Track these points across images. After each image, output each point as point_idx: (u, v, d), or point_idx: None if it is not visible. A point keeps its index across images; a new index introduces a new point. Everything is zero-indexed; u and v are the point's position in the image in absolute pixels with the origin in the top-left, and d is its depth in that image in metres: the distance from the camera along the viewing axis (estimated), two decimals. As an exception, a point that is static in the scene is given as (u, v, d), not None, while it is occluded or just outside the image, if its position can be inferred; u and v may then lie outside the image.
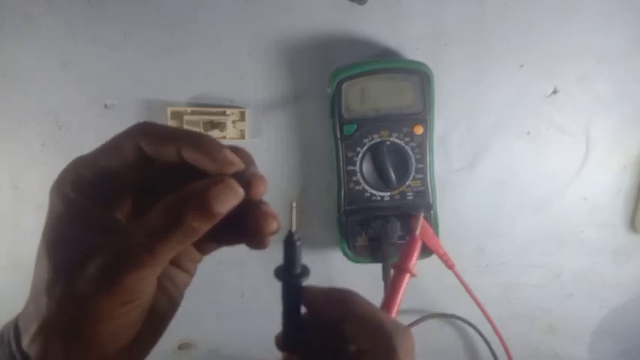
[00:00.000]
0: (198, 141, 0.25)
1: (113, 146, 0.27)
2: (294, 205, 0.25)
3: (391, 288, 0.31)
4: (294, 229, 0.26)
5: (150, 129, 0.26)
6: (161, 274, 0.26)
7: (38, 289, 0.25)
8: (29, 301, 0.25)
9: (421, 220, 0.33)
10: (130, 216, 0.28)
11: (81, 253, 0.24)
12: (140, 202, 0.28)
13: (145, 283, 0.24)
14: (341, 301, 0.28)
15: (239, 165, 0.26)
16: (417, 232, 0.32)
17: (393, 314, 0.31)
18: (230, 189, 0.25)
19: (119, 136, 0.27)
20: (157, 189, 0.27)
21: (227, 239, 0.28)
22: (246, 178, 0.26)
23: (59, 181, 0.26)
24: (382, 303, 0.31)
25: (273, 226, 0.27)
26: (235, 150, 0.27)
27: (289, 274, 0.28)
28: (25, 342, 0.24)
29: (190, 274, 0.30)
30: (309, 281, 0.28)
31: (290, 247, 0.27)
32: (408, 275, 0.31)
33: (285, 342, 0.29)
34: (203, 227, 0.24)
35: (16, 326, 0.25)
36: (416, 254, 0.31)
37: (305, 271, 0.28)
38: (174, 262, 0.28)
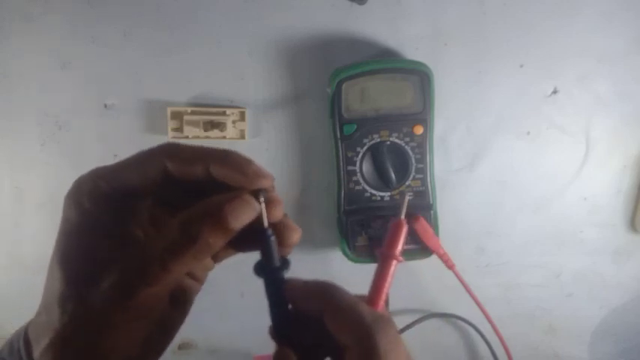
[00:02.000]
0: (226, 157, 0.26)
1: (137, 164, 0.26)
2: (262, 200, 0.25)
3: (378, 277, 0.30)
4: (265, 224, 0.26)
5: (175, 150, 0.26)
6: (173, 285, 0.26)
7: (50, 300, 0.24)
8: (40, 310, 0.25)
9: (406, 201, 0.31)
10: (147, 229, 0.27)
11: (95, 266, 0.24)
12: (158, 215, 0.28)
13: (158, 299, 0.24)
14: (320, 293, 0.28)
15: (269, 178, 0.26)
16: (402, 216, 0.31)
17: (381, 303, 0.30)
18: (247, 204, 0.25)
19: (143, 155, 0.26)
20: (176, 202, 0.27)
21: (244, 247, 0.28)
22: (269, 199, 0.26)
23: (75, 189, 0.26)
24: (369, 293, 0.30)
25: (294, 237, 0.27)
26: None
27: (269, 268, 0.27)
28: (37, 353, 0.24)
29: (201, 282, 0.29)
30: (293, 273, 0.28)
31: (265, 242, 0.27)
32: (395, 262, 0.30)
33: (274, 334, 0.29)
34: (219, 243, 0.24)
35: (26, 334, 0.25)
36: (402, 239, 0.30)
37: (285, 263, 0.28)
38: (187, 272, 0.28)
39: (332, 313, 0.27)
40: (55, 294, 0.24)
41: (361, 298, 0.29)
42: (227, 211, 0.24)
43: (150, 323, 0.25)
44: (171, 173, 0.26)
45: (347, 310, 0.27)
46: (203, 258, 0.24)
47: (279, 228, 0.27)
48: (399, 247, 0.30)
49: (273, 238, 0.27)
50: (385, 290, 0.30)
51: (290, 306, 0.28)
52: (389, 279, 0.30)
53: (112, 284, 0.23)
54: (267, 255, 0.27)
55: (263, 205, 0.25)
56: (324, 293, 0.28)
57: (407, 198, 0.32)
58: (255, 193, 0.25)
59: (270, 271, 0.27)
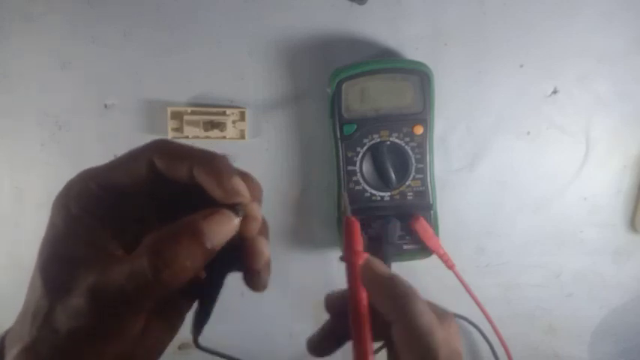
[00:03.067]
0: (209, 162, 0.24)
1: (126, 161, 0.25)
2: (239, 214, 0.24)
3: (352, 282, 0.29)
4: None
5: (164, 146, 0.25)
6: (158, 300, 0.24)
7: (26, 309, 0.23)
8: (18, 317, 0.24)
9: (346, 197, 0.32)
10: (141, 237, 0.26)
11: (71, 280, 0.22)
12: (155, 221, 0.26)
13: (129, 324, 0.22)
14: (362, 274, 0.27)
15: (245, 197, 0.24)
16: (349, 212, 0.30)
17: (364, 306, 0.29)
18: (225, 218, 0.23)
19: (133, 152, 0.25)
20: (173, 209, 0.25)
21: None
22: (242, 213, 0.24)
23: (64, 193, 0.25)
24: (350, 300, 0.29)
25: (259, 262, 0.25)
26: (246, 178, 0.26)
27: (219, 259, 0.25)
28: None
29: (193, 297, 0.28)
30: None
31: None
32: (361, 260, 0.30)
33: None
34: (197, 264, 0.22)
35: (3, 339, 0.24)
36: (359, 234, 0.30)
37: (236, 265, 0.26)
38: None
39: (372, 289, 0.27)
40: (31, 303, 0.23)
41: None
42: (205, 228, 0.22)
43: (125, 346, 0.23)
44: (159, 171, 0.25)
45: (385, 282, 0.27)
46: (180, 282, 0.22)
47: (247, 246, 0.25)
48: (360, 243, 0.29)
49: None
50: (364, 295, 0.28)
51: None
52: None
53: (77, 306, 0.21)
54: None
55: (238, 219, 0.24)
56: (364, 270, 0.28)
57: (345, 195, 0.32)
58: (233, 208, 0.24)
59: (217, 262, 0.25)
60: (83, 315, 0.21)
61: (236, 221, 0.24)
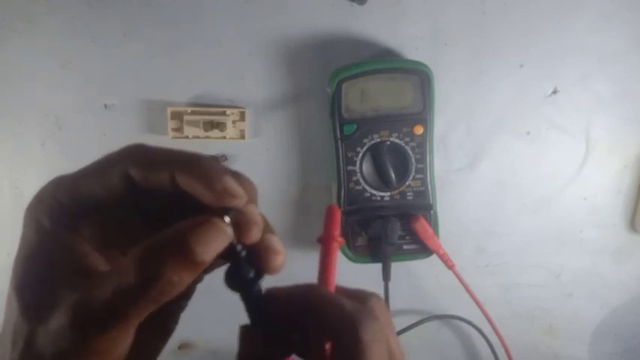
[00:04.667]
0: (193, 165, 0.22)
1: (96, 172, 0.23)
2: (229, 221, 0.21)
3: (324, 263, 0.30)
4: (235, 242, 0.22)
5: (138, 153, 0.22)
6: None
7: (5, 331, 0.22)
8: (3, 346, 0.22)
9: (335, 188, 0.33)
10: (126, 247, 0.24)
11: (49, 300, 0.20)
12: (138, 230, 0.24)
13: (118, 342, 0.21)
14: (302, 293, 0.26)
15: (241, 198, 0.22)
16: (333, 200, 0.31)
17: (332, 289, 0.29)
18: (216, 229, 0.21)
19: (105, 160, 0.23)
20: (162, 215, 0.23)
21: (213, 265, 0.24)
22: (237, 220, 0.22)
23: (34, 205, 0.23)
24: (318, 282, 0.30)
25: (276, 261, 0.23)
26: (238, 177, 0.23)
27: (243, 282, 0.24)
28: None
29: (188, 297, 0.26)
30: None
31: (236, 262, 0.23)
32: (336, 244, 0.30)
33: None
34: (185, 279, 0.20)
35: None
36: (338, 221, 0.31)
37: (259, 274, 0.24)
38: None
39: (315, 309, 0.25)
40: (9, 325, 0.21)
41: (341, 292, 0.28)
42: (192, 241, 0.20)
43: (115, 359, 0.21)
44: (134, 181, 0.22)
45: (329, 303, 0.25)
46: (167, 298, 0.20)
47: (258, 249, 0.23)
48: (338, 229, 0.30)
49: (244, 253, 0.23)
50: (333, 276, 0.29)
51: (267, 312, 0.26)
52: (334, 264, 0.30)
53: (60, 327, 0.20)
54: (239, 272, 0.23)
55: (230, 228, 0.21)
56: (307, 291, 0.26)
57: (335, 187, 0.33)
58: (225, 212, 0.21)
59: (245, 285, 0.24)
60: (67, 337, 0.20)
61: (228, 231, 0.21)
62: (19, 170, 0.53)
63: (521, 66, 0.52)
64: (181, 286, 0.20)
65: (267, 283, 0.26)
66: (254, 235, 0.22)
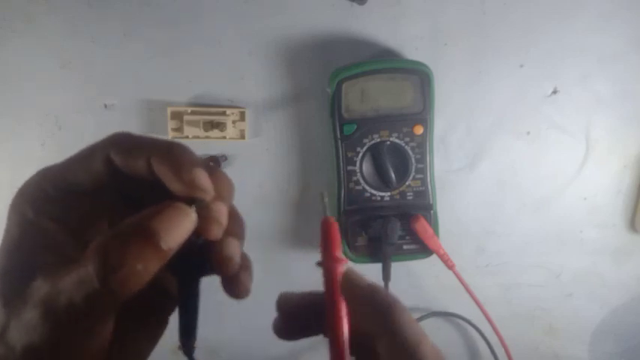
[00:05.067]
0: (169, 153, 0.22)
1: (81, 158, 0.23)
2: (194, 211, 0.21)
3: (330, 290, 0.25)
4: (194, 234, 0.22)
5: (121, 139, 0.23)
6: (130, 303, 0.21)
7: None
8: None
9: (325, 196, 0.27)
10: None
11: (24, 291, 0.20)
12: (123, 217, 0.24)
13: (90, 337, 0.20)
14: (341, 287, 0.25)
15: (209, 192, 0.21)
16: (327, 213, 0.26)
17: (343, 334, 0.25)
18: (180, 213, 0.20)
19: (89, 148, 0.23)
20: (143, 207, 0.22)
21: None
22: (203, 214, 0.21)
23: (18, 197, 0.23)
24: (327, 315, 0.25)
25: (226, 266, 0.22)
26: (213, 172, 0.23)
27: (186, 266, 0.23)
28: None
29: (175, 298, 0.25)
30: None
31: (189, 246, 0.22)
32: (341, 268, 0.26)
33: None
34: (151, 268, 0.19)
35: None
36: (338, 238, 0.26)
37: (205, 268, 0.23)
38: (153, 286, 0.23)
39: (352, 303, 0.24)
40: None
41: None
42: (156, 225, 0.19)
43: (93, 358, 0.21)
44: (116, 166, 0.22)
45: (366, 294, 0.24)
46: (133, 290, 0.19)
47: (213, 250, 0.22)
48: (339, 248, 0.26)
49: (200, 242, 0.22)
50: (341, 301, 0.26)
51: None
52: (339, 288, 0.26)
53: (31, 320, 0.19)
54: (186, 256, 0.23)
55: (195, 214, 0.21)
56: (345, 282, 0.25)
57: (325, 194, 0.28)
58: (190, 203, 0.21)
59: (184, 270, 0.23)
60: (37, 330, 0.19)
61: (193, 216, 0.21)
62: (19, 170, 0.53)
63: (521, 66, 0.52)
64: (147, 275, 0.19)
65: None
66: (213, 232, 0.22)
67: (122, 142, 0.23)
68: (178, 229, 0.20)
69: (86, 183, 0.23)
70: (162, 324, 0.26)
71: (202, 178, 0.21)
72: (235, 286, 0.23)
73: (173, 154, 0.22)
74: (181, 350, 0.25)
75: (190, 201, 0.21)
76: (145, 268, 0.19)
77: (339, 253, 0.26)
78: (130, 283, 0.19)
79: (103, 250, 0.19)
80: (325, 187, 0.53)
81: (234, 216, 0.24)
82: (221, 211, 0.22)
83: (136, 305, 0.22)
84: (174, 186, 0.21)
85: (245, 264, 0.24)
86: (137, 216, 0.20)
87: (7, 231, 0.22)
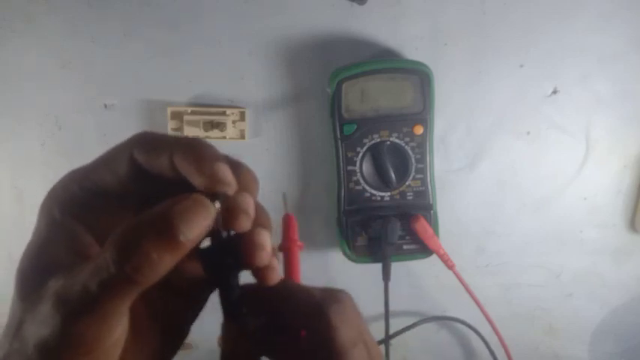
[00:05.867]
0: (191, 149, 0.22)
1: (106, 159, 0.23)
2: (218, 205, 0.21)
3: (288, 269, 0.32)
4: (218, 226, 0.22)
5: (144, 137, 0.23)
6: (149, 305, 0.22)
7: (7, 323, 0.22)
8: (3, 332, 0.22)
9: (285, 197, 0.37)
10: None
11: (41, 288, 0.20)
12: None
13: (101, 331, 0.20)
14: (273, 291, 0.25)
15: (231, 185, 0.21)
16: (287, 210, 0.38)
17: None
18: (199, 205, 0.20)
19: (113, 148, 0.23)
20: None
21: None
22: (230, 206, 0.21)
23: (48, 198, 0.23)
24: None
25: (258, 256, 0.22)
26: (237, 167, 0.23)
27: (218, 263, 0.23)
28: None
29: (199, 307, 0.26)
30: None
31: (216, 241, 0.22)
32: (297, 248, 0.33)
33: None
34: (168, 260, 0.19)
35: None
36: (295, 228, 0.34)
37: (238, 262, 0.23)
38: (173, 288, 0.24)
39: (285, 299, 0.26)
40: (9, 317, 0.21)
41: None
42: (174, 216, 0.19)
43: (107, 357, 0.21)
44: (140, 165, 0.22)
45: (298, 292, 0.26)
46: (149, 282, 0.19)
47: (244, 240, 0.23)
48: (296, 235, 0.35)
49: (225, 235, 0.22)
50: (298, 279, 0.32)
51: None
52: (298, 267, 0.32)
53: (44, 314, 0.19)
54: (216, 253, 0.23)
55: (217, 207, 0.21)
56: (277, 285, 0.25)
57: (284, 195, 0.42)
58: (213, 198, 0.21)
59: (216, 267, 0.23)
60: (49, 323, 0.19)
61: (212, 209, 0.20)
62: (19, 170, 0.53)
63: (521, 66, 0.52)
64: (163, 265, 0.19)
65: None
66: (242, 223, 0.22)
67: (145, 141, 0.23)
68: (196, 220, 0.20)
69: (112, 184, 0.23)
70: (183, 334, 0.26)
71: (224, 171, 0.21)
72: (269, 273, 0.24)
73: (195, 149, 0.22)
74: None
75: (215, 195, 0.21)
76: (161, 257, 0.19)
77: (296, 238, 0.36)
78: (144, 271, 0.19)
79: (119, 237, 0.19)
80: (326, 187, 0.53)
81: (260, 208, 0.24)
82: (248, 202, 0.22)
83: (153, 309, 0.23)
84: (197, 181, 0.21)
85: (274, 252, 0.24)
86: (155, 207, 0.20)
87: (36, 230, 0.23)
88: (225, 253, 0.23)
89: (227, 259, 0.23)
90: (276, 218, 0.54)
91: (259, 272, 0.24)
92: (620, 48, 0.52)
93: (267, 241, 0.23)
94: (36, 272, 0.21)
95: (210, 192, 0.21)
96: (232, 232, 0.22)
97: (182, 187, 0.22)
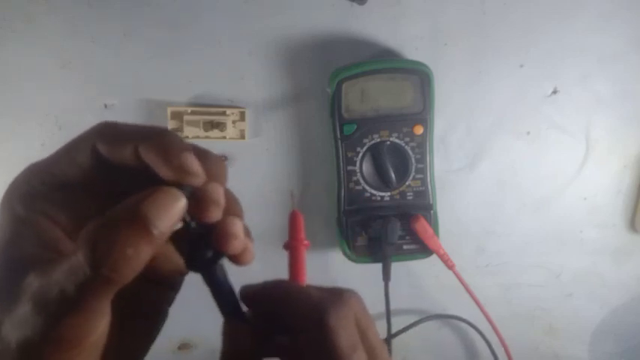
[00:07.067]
0: (157, 139, 0.21)
1: (66, 151, 0.23)
2: (183, 197, 0.21)
3: (294, 268, 0.31)
4: (187, 218, 0.21)
5: (106, 128, 0.22)
6: (129, 295, 0.21)
7: None
8: None
9: (293, 194, 0.36)
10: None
11: (15, 287, 0.20)
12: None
13: (84, 329, 0.19)
14: (272, 289, 0.26)
15: (199, 175, 0.21)
16: (294, 208, 0.35)
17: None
18: (169, 196, 0.20)
19: (74, 140, 0.23)
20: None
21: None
22: (200, 197, 0.21)
23: (8, 193, 0.23)
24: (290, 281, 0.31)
25: (233, 245, 0.22)
26: (204, 156, 0.22)
27: (201, 262, 0.23)
28: None
29: (174, 289, 0.25)
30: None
31: (189, 240, 0.22)
32: (304, 248, 0.32)
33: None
34: (143, 255, 0.19)
35: None
36: (302, 226, 0.33)
37: (217, 254, 0.23)
38: (150, 277, 0.24)
39: (284, 301, 0.25)
40: None
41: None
42: (144, 208, 0.19)
43: (90, 354, 0.20)
44: (102, 156, 0.22)
45: (296, 294, 0.25)
46: (126, 276, 0.19)
47: (216, 230, 0.22)
48: (303, 233, 0.33)
49: (194, 225, 0.22)
50: (304, 280, 0.31)
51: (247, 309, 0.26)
52: (304, 267, 0.32)
53: (24, 314, 0.19)
54: (194, 250, 0.23)
55: (183, 196, 0.20)
56: (276, 286, 0.26)
57: (292, 192, 0.40)
58: (180, 189, 0.21)
59: (203, 264, 0.23)
60: (29, 324, 0.19)
61: (183, 200, 0.20)
62: (19, 170, 0.53)
63: (521, 66, 0.52)
64: (138, 260, 0.19)
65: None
66: (212, 214, 0.22)
67: (107, 131, 0.22)
68: (167, 212, 0.20)
69: (75, 175, 0.22)
70: (161, 317, 0.25)
71: (191, 162, 0.21)
72: (243, 255, 0.24)
73: (160, 140, 0.21)
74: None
75: (182, 186, 0.21)
76: (136, 252, 0.19)
77: (303, 236, 0.33)
78: (121, 269, 0.19)
79: (91, 236, 0.19)
80: (326, 187, 0.53)
81: (229, 196, 0.24)
82: (217, 192, 0.22)
83: (130, 298, 0.22)
84: (164, 172, 0.21)
85: (247, 234, 0.24)
86: (125, 201, 0.20)
87: (0, 229, 0.22)
88: (202, 247, 0.22)
89: (206, 253, 0.23)
90: (282, 216, 0.55)
91: (234, 256, 0.24)
92: (620, 48, 0.52)
93: (239, 229, 0.23)
94: (7, 272, 0.21)
95: (178, 184, 0.21)
96: (193, 224, 0.22)
97: (147, 175, 0.21)
